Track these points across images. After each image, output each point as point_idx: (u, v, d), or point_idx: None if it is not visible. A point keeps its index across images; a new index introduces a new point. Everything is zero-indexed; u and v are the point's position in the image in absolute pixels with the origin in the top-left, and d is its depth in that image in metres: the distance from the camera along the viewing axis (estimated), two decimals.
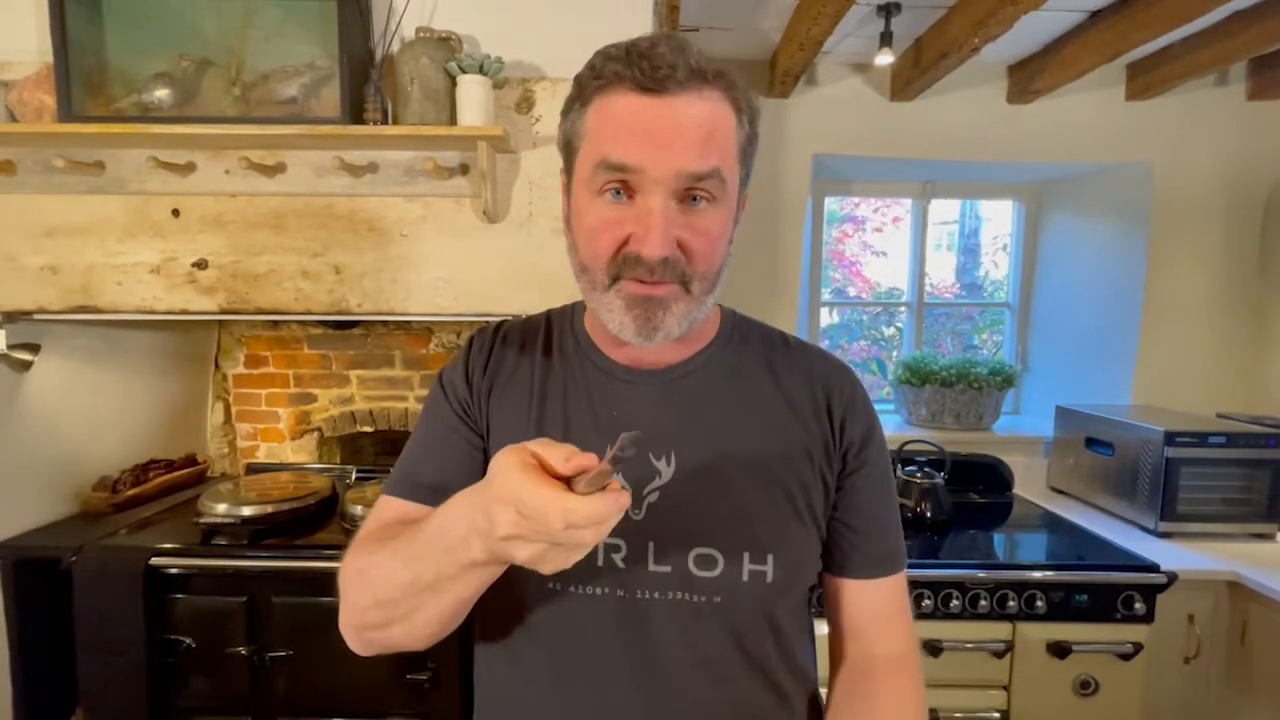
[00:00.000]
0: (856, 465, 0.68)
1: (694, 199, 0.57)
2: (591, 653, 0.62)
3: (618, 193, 0.57)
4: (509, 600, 0.64)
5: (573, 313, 0.75)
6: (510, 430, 0.67)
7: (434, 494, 0.64)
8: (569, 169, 0.63)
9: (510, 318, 1.48)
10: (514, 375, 0.70)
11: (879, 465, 0.70)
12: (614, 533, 0.60)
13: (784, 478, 0.65)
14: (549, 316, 0.76)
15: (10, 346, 1.46)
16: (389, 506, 0.67)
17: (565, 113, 0.61)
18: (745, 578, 0.62)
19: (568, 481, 0.44)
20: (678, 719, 0.61)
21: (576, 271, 0.63)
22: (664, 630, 0.61)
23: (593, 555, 0.61)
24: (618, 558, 0.62)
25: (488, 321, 1.94)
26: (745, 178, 0.63)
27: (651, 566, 0.62)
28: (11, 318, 1.46)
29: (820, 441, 0.67)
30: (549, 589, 0.62)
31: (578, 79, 0.60)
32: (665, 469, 0.63)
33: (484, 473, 0.69)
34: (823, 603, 0.74)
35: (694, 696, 0.62)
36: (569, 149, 0.62)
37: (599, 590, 0.62)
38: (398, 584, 0.54)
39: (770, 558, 0.62)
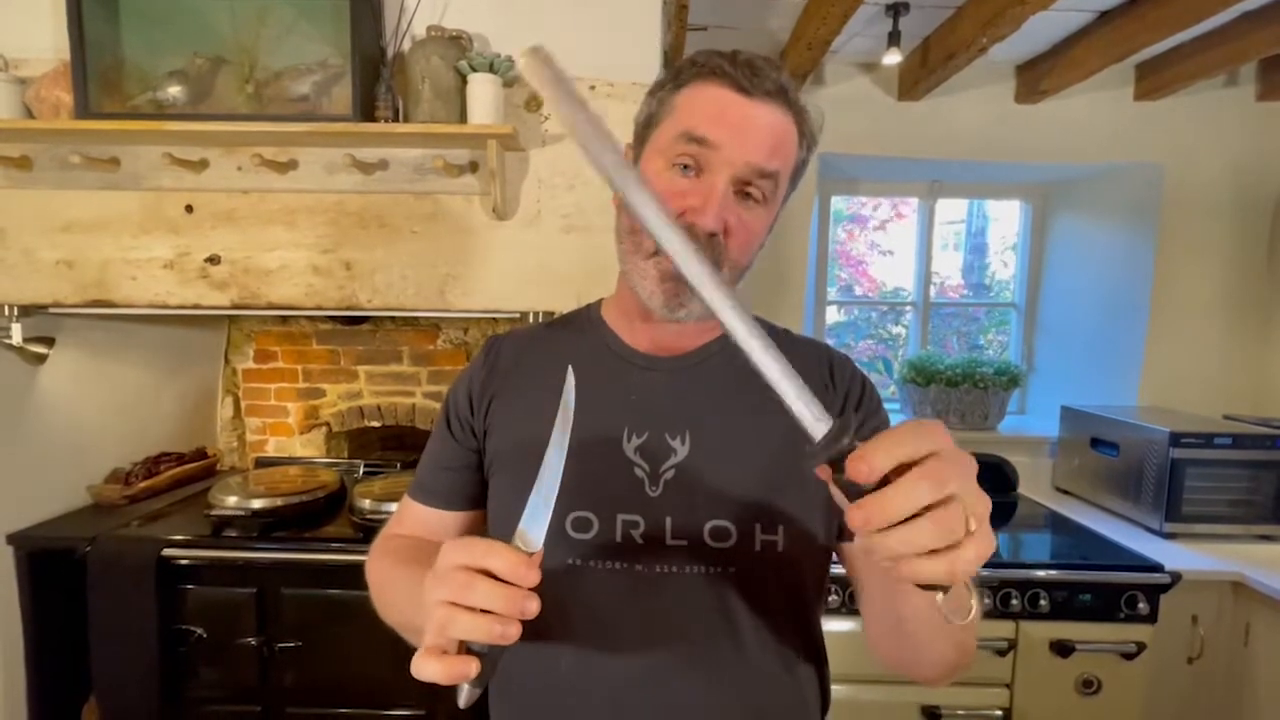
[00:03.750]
0: (863, 434, 0.71)
1: (748, 195, 0.63)
2: (610, 626, 0.64)
3: (686, 168, 0.63)
4: None
5: (586, 314, 0.79)
6: (522, 428, 0.69)
7: (437, 498, 0.74)
8: (643, 140, 0.68)
9: (517, 314, 1.50)
10: (520, 378, 0.73)
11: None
12: (632, 509, 0.64)
13: (793, 451, 0.67)
14: (561, 320, 0.81)
15: (26, 340, 1.48)
16: (407, 507, 0.76)
17: (653, 91, 0.68)
18: (758, 547, 0.64)
19: None
20: (693, 687, 0.63)
21: (621, 234, 0.68)
22: (680, 601, 0.64)
23: (610, 531, 0.65)
24: (635, 534, 0.64)
25: (495, 318, 1.95)
26: (786, 196, 0.69)
27: (668, 541, 0.64)
28: (28, 311, 1.48)
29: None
30: (568, 564, 0.64)
31: (677, 65, 0.66)
32: (681, 448, 0.66)
33: (480, 477, 0.72)
34: (852, 597, 0.76)
35: (709, 665, 0.64)
36: (649, 122, 0.67)
37: (617, 565, 0.64)
38: (398, 615, 0.63)
39: (781, 528, 0.65)
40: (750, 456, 0.67)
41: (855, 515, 0.37)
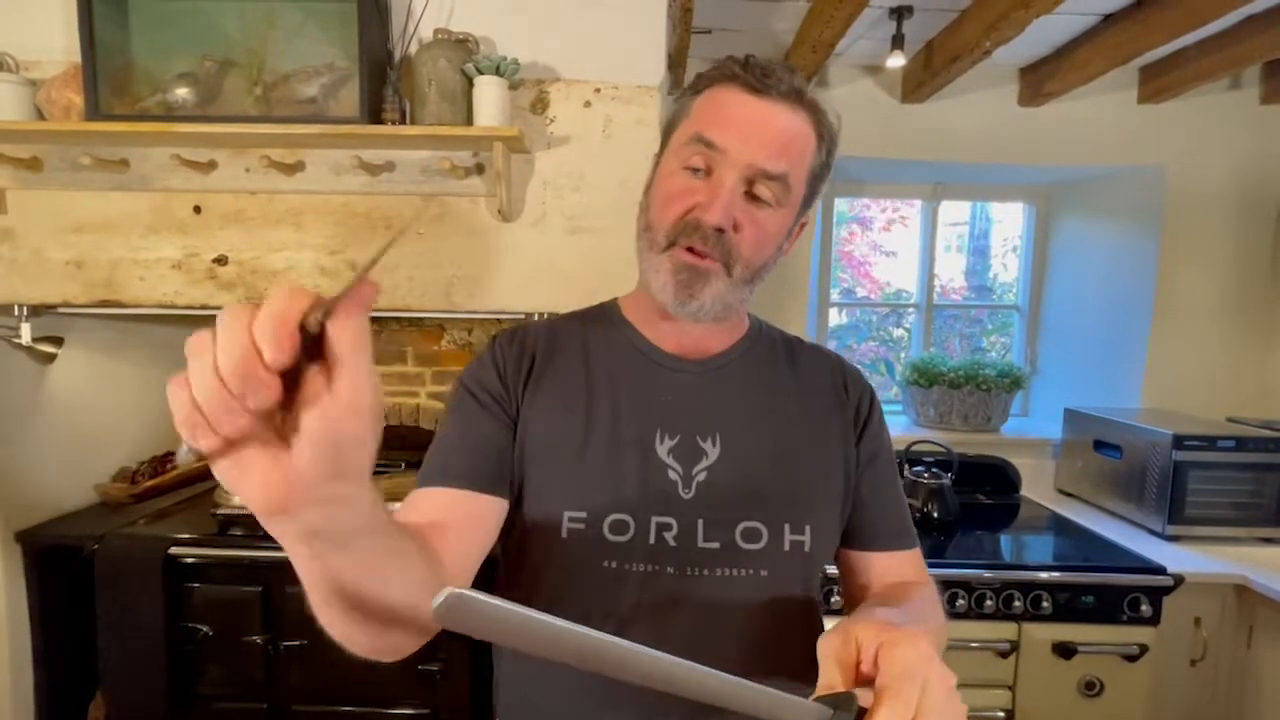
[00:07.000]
0: (872, 446, 0.75)
1: (758, 198, 0.64)
2: (640, 629, 0.63)
3: (698, 171, 0.65)
4: (555, 580, 0.66)
5: (606, 311, 0.78)
6: (558, 421, 0.68)
7: (465, 480, 0.64)
8: (665, 143, 0.71)
9: (523, 315, 1.51)
10: (551, 368, 0.71)
11: (889, 448, 0.78)
12: (665, 512, 0.65)
13: (815, 454, 0.71)
14: (578, 316, 0.78)
15: (35, 339, 1.49)
16: (420, 498, 0.64)
17: (678, 97, 0.71)
18: (787, 548, 0.66)
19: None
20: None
21: (639, 232, 0.70)
22: (712, 604, 0.64)
23: (644, 533, 0.64)
24: (669, 536, 0.65)
25: (500, 319, 1.95)
26: (809, 199, 0.70)
27: (701, 543, 0.65)
28: (37, 311, 1.49)
29: (841, 422, 0.74)
30: (602, 567, 0.64)
31: (698, 74, 0.70)
32: (712, 450, 0.68)
33: (512, 460, 0.69)
34: (840, 579, 0.79)
35: (737, 667, 0.63)
36: (670, 125, 0.71)
37: (651, 568, 0.65)
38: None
39: (808, 528, 0.67)
40: (776, 456, 0.69)
41: None
